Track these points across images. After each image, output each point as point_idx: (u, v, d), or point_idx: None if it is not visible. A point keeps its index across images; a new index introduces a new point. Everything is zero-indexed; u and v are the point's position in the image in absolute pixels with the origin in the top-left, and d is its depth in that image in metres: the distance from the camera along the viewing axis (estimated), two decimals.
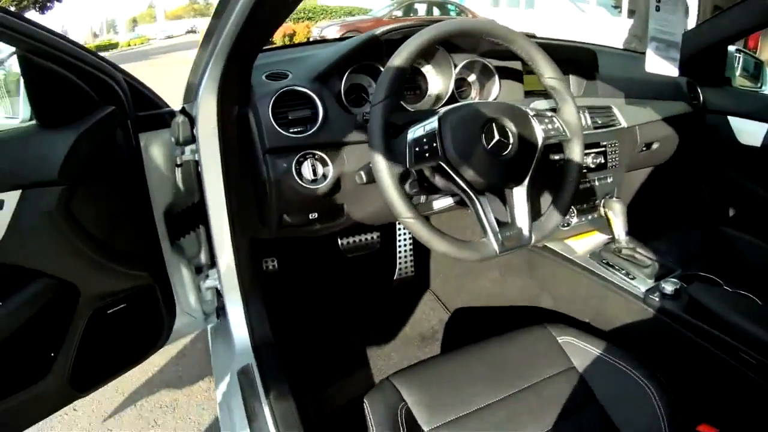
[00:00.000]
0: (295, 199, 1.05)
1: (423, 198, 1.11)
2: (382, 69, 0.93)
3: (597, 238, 1.43)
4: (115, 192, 1.07)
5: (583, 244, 1.41)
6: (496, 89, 1.29)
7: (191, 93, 1.06)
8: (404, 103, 1.22)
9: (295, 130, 1.02)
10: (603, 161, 1.38)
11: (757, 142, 1.75)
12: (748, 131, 1.78)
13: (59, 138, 0.93)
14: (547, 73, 0.99)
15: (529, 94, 1.36)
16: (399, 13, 10.36)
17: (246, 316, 1.33)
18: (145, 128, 1.15)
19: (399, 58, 0.86)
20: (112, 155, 1.04)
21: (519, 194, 0.91)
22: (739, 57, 1.92)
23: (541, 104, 1.31)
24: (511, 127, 0.88)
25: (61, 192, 0.92)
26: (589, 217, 1.43)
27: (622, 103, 1.48)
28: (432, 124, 0.85)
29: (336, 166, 1.04)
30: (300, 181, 1.02)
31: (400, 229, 1.81)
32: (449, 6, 10.99)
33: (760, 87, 2.04)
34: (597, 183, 1.42)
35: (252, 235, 1.18)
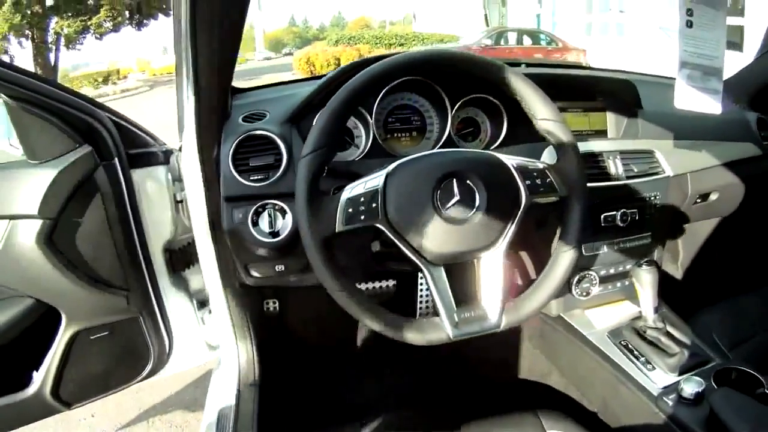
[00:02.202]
0: (254, 252, 0.90)
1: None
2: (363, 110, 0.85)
3: (625, 310, 1.09)
4: (99, 226, 1.07)
5: (606, 316, 1.08)
6: (504, 131, 1.01)
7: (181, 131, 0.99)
8: (399, 147, 1.00)
9: (256, 177, 0.87)
10: (638, 218, 1.04)
11: None
12: None
13: (41, 175, 0.95)
14: (541, 113, 0.74)
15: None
16: (489, 42, 9.65)
17: (236, 357, 1.25)
18: (137, 165, 1.13)
19: (334, 103, 0.69)
20: (95, 191, 1.04)
21: (489, 263, 0.69)
22: None
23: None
24: (478, 183, 0.68)
25: (42, 224, 0.95)
26: (618, 284, 1.09)
27: (669, 147, 1.12)
28: (376, 180, 0.68)
29: None
30: (255, 234, 0.87)
31: (421, 276, 1.58)
32: (540, 35, 10.18)
33: None
34: (628, 245, 1.07)
35: (240, 279, 1.07)
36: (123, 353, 1.16)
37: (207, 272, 1.18)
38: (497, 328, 0.70)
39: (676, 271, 1.40)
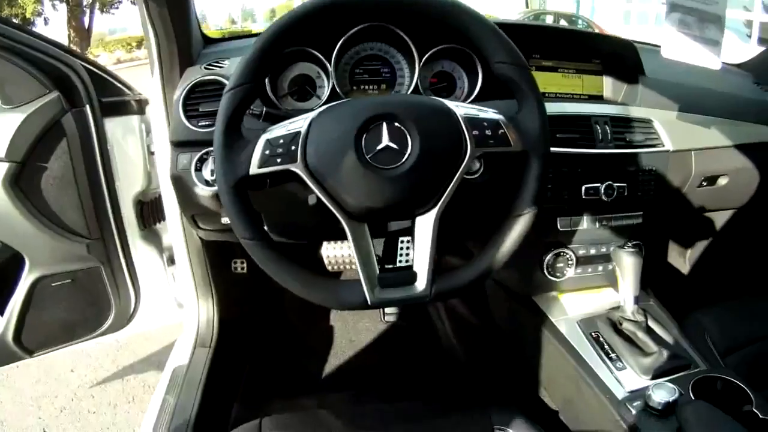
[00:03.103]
0: (198, 202, 0.81)
1: None
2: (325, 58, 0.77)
3: (606, 298, 0.93)
4: (65, 172, 1.05)
5: (583, 303, 0.92)
6: (478, 85, 0.86)
7: None
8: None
9: (204, 123, 0.79)
10: (627, 194, 0.88)
11: None
12: None
13: (11, 119, 0.94)
14: (497, 54, 0.60)
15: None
16: None
17: (197, 316, 1.20)
18: (111, 114, 1.10)
19: (261, 39, 0.60)
20: (62, 137, 1.02)
21: (422, 224, 0.58)
22: None
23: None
24: (412, 129, 0.56)
25: (8, 167, 0.94)
26: (600, 268, 0.93)
27: (672, 119, 0.94)
28: (300, 122, 0.58)
29: None
30: (196, 180, 0.78)
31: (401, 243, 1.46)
32: (578, 20, 9.58)
33: None
34: (614, 223, 0.91)
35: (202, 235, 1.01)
36: (85, 303, 1.12)
37: (171, 226, 1.14)
38: (425, 298, 0.58)
39: (683, 264, 1.23)
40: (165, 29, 0.90)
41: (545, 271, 0.89)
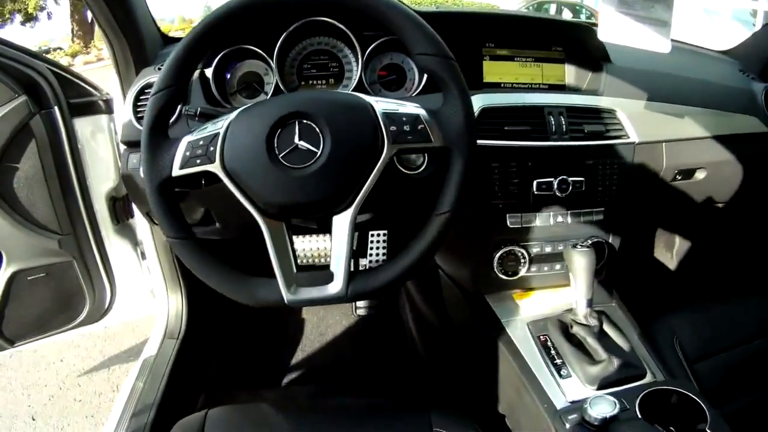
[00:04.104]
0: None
1: None
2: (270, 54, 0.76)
3: (562, 299, 0.85)
4: (36, 171, 1.06)
5: (538, 304, 0.85)
6: (425, 77, 0.82)
7: None
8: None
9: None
10: (584, 189, 0.81)
11: None
12: None
13: None
14: (419, 46, 0.56)
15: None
16: (526, 12, 8.53)
17: (166, 308, 1.20)
18: (80, 114, 1.11)
19: (184, 41, 0.58)
20: (31, 138, 1.03)
21: (339, 225, 0.55)
22: None
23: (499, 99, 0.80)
24: (324, 127, 0.54)
25: None
26: (557, 266, 0.85)
27: (640, 109, 0.85)
28: (219, 123, 0.57)
29: None
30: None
31: (372, 237, 1.42)
32: (578, 7, 8.92)
33: None
34: (570, 220, 0.83)
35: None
36: (60, 296, 1.13)
37: (139, 221, 1.15)
38: (342, 299, 0.55)
39: (657, 263, 1.14)
40: (112, 30, 0.89)
41: (496, 270, 0.83)
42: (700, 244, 1.09)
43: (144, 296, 1.26)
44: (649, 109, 0.88)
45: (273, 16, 0.74)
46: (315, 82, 0.87)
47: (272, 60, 0.82)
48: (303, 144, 0.54)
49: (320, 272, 0.56)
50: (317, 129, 0.54)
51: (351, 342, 1.27)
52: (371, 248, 1.02)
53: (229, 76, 0.86)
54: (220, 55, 0.82)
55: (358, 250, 1.40)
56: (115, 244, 1.18)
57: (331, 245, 0.56)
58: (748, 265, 1.12)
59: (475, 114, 0.77)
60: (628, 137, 0.84)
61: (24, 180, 1.04)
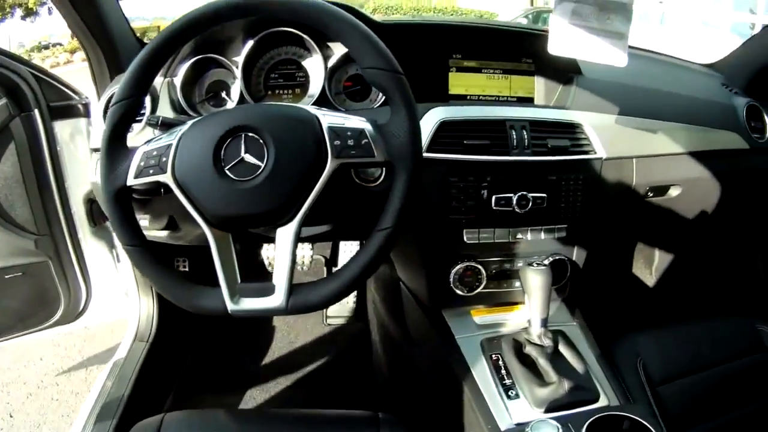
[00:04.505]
0: None
1: None
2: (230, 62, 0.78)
3: (520, 318, 0.83)
4: (14, 172, 1.09)
5: (493, 322, 0.83)
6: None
7: None
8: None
9: None
10: (546, 205, 0.78)
11: None
12: None
13: None
14: (367, 59, 0.56)
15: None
16: (524, 21, 8.13)
17: (138, 312, 1.21)
18: (60, 117, 1.13)
19: (142, 53, 0.60)
20: (11, 140, 1.06)
21: (282, 238, 0.56)
22: None
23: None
24: (269, 141, 0.55)
25: None
26: (517, 284, 0.83)
27: (610, 123, 0.83)
28: (172, 134, 0.58)
29: None
30: None
31: (345, 247, 1.42)
32: None
33: None
34: (530, 237, 0.81)
35: None
36: (35, 296, 1.15)
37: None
38: (282, 312, 0.56)
39: (627, 282, 1.11)
40: (84, 35, 0.91)
41: (453, 285, 0.81)
42: (675, 262, 1.06)
43: (119, 298, 1.28)
44: (620, 124, 0.86)
45: (223, 28, 0.75)
46: (281, 91, 0.88)
47: (238, 70, 0.83)
48: (248, 157, 0.54)
49: (263, 284, 0.56)
50: (262, 142, 0.55)
51: (319, 351, 1.27)
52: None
53: (198, 84, 0.87)
54: (186, 65, 0.83)
55: (331, 259, 1.41)
56: (91, 245, 1.20)
57: (274, 259, 0.57)
58: (725, 284, 1.08)
59: (434, 127, 0.76)
60: (595, 152, 0.82)
61: (2, 181, 1.06)
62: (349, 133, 0.56)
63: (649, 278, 1.11)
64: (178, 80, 0.83)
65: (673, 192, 0.92)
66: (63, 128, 1.12)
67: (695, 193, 0.95)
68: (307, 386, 1.18)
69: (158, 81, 0.84)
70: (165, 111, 0.84)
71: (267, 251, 1.25)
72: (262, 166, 0.54)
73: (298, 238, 0.56)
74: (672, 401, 0.83)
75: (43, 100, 1.08)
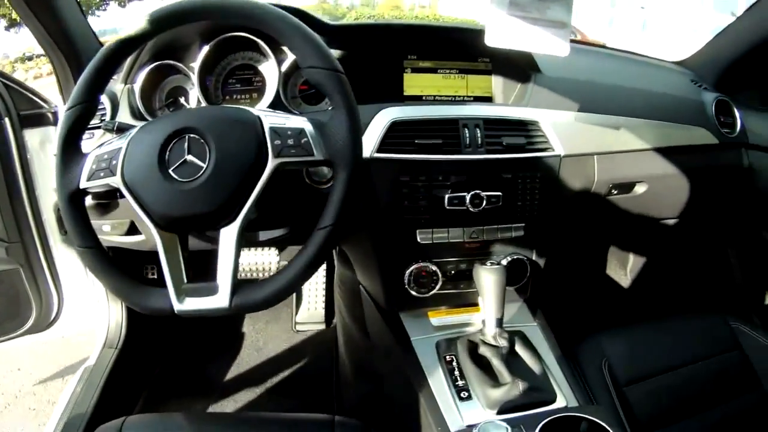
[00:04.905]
0: None
1: None
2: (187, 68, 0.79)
3: (478, 318, 0.81)
4: None
5: (450, 323, 0.82)
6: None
7: None
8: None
9: (86, 137, 0.83)
10: (502, 204, 0.78)
11: None
12: None
13: None
14: (308, 59, 0.57)
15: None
16: None
17: (107, 319, 1.22)
18: (30, 125, 1.15)
19: (93, 62, 0.61)
20: None
21: (226, 238, 0.56)
22: None
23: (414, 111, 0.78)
24: (211, 142, 0.56)
25: None
26: (473, 285, 0.82)
27: (569, 120, 0.82)
28: (123, 138, 0.60)
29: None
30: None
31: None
32: None
33: None
34: (486, 237, 0.80)
35: None
36: (7, 303, 1.17)
37: None
38: (225, 311, 0.57)
39: (593, 280, 1.09)
40: (47, 42, 0.92)
41: (408, 287, 0.81)
42: (649, 261, 1.05)
43: (92, 306, 1.28)
44: (581, 121, 0.85)
45: (180, 34, 0.76)
46: (239, 96, 0.89)
47: (194, 75, 0.84)
48: (191, 158, 0.56)
49: (208, 284, 0.57)
50: (205, 144, 0.56)
51: (287, 357, 1.27)
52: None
53: (158, 90, 0.88)
54: (145, 71, 0.84)
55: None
56: (62, 253, 1.21)
57: (218, 259, 0.57)
58: (700, 282, 1.07)
59: (385, 127, 0.76)
60: (553, 150, 0.81)
61: None
62: (289, 133, 0.57)
63: (624, 278, 1.10)
64: (137, 86, 0.84)
65: (639, 189, 0.91)
66: (33, 136, 1.13)
67: (663, 190, 0.94)
68: (275, 391, 1.18)
69: (118, 87, 0.86)
70: (125, 117, 0.84)
71: (240, 256, 1.26)
72: (204, 166, 0.55)
73: (242, 239, 0.56)
74: (639, 402, 0.82)
75: (13, 108, 1.10)
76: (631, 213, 0.94)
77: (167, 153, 0.56)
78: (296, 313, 1.38)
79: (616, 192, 0.89)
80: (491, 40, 0.64)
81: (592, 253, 1.12)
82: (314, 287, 1.38)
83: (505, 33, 0.62)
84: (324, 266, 1.40)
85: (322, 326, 1.35)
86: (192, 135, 0.56)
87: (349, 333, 1.06)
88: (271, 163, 0.55)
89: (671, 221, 0.98)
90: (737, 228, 1.05)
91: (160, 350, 1.27)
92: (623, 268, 1.11)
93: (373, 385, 0.94)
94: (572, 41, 0.95)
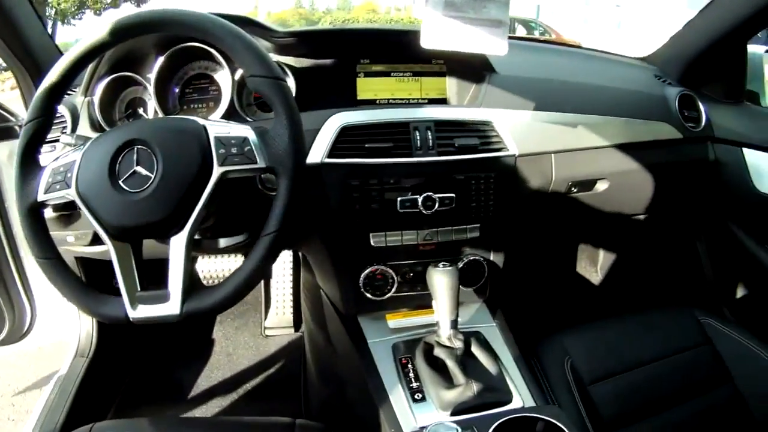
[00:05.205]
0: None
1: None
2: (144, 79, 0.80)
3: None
4: None
5: (407, 325, 0.82)
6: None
7: None
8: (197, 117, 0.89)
9: (47, 150, 0.82)
10: (456, 206, 0.78)
11: None
12: None
13: None
14: (251, 68, 0.58)
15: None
16: None
17: (78, 328, 1.22)
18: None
19: (48, 77, 0.62)
20: None
21: (176, 246, 0.58)
22: None
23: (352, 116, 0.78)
24: (158, 153, 0.58)
25: None
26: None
27: (525, 119, 0.82)
28: (77, 151, 0.61)
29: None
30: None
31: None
32: (532, 24, 9.06)
33: None
34: (440, 239, 0.80)
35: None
36: None
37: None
38: (176, 318, 0.58)
39: (556, 280, 1.09)
40: (8, 56, 0.92)
41: (364, 290, 0.81)
42: (619, 258, 1.05)
43: (64, 316, 1.29)
44: (537, 119, 0.85)
45: (137, 45, 0.77)
46: (195, 106, 0.89)
47: (150, 86, 0.84)
48: (140, 169, 0.57)
49: (160, 292, 0.59)
50: (152, 154, 0.57)
51: (256, 362, 1.28)
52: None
53: (118, 102, 0.89)
54: (103, 83, 0.85)
55: None
56: (34, 265, 1.21)
57: (169, 267, 0.58)
58: (669, 277, 1.06)
59: (335, 132, 0.76)
60: (507, 149, 0.81)
61: None
62: (233, 141, 0.58)
63: (595, 275, 1.10)
64: (96, 98, 0.85)
65: (601, 186, 0.91)
66: (1, 150, 1.14)
67: (626, 186, 0.94)
68: (245, 396, 1.20)
69: (78, 100, 0.86)
70: (85, 129, 0.85)
71: (200, 264, 1.27)
72: (152, 177, 0.57)
73: (191, 246, 0.58)
74: (604, 401, 0.82)
75: None
76: (596, 210, 0.94)
77: (117, 165, 0.58)
78: (265, 319, 1.39)
79: (576, 190, 0.89)
80: (427, 42, 0.64)
81: (559, 251, 1.12)
82: (282, 292, 1.39)
83: (441, 34, 0.62)
84: (291, 271, 1.40)
85: (291, 331, 1.37)
86: (140, 146, 0.58)
87: (313, 337, 1.06)
88: (216, 172, 0.57)
89: (639, 217, 0.98)
90: (706, 222, 1.05)
91: (131, 358, 1.28)
92: (594, 265, 1.10)
93: (337, 388, 0.95)
94: (545, 41, 0.95)
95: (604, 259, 1.09)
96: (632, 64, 1.11)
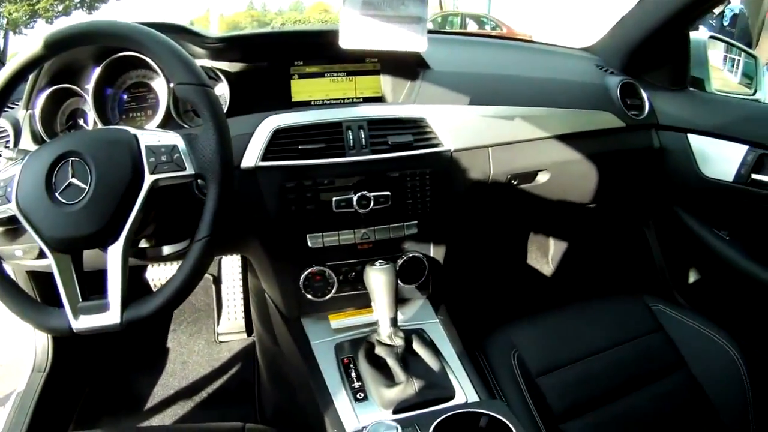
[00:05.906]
0: None
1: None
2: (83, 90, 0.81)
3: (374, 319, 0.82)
4: None
5: (350, 325, 0.83)
6: (227, 103, 0.85)
7: None
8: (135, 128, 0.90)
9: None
10: (392, 204, 0.79)
11: (727, 174, 0.89)
12: (716, 158, 0.96)
13: None
14: (177, 76, 0.60)
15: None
16: (430, 26, 7.71)
17: (34, 342, 1.22)
18: None
19: None
20: None
21: (112, 256, 0.59)
22: (728, 50, 1.09)
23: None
24: (91, 164, 0.59)
25: None
26: None
27: (460, 114, 0.84)
28: (17, 165, 0.61)
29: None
30: None
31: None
32: (483, 19, 9.08)
33: (753, 93, 1.12)
34: (377, 237, 0.81)
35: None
36: None
37: None
38: (117, 326, 0.60)
39: (502, 273, 1.10)
40: None
41: (304, 291, 0.82)
42: (567, 247, 1.06)
43: (21, 332, 1.29)
44: (472, 114, 0.86)
45: (75, 57, 0.78)
46: (134, 114, 0.90)
47: (88, 97, 0.85)
48: (75, 181, 0.59)
49: (100, 302, 0.60)
50: (86, 166, 0.59)
51: (210, 369, 1.30)
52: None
53: (60, 114, 0.89)
54: (43, 96, 0.85)
55: (218, 277, 1.42)
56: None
57: (108, 276, 0.60)
58: (620, 265, 1.08)
59: (268, 136, 0.77)
60: (442, 145, 0.82)
61: None
62: (163, 149, 0.60)
63: (546, 266, 1.11)
64: (36, 111, 0.85)
65: (542, 177, 0.92)
66: None
67: (569, 176, 0.95)
68: (201, 403, 1.21)
69: (20, 114, 0.87)
70: (27, 143, 0.86)
71: (150, 272, 1.28)
72: (87, 188, 0.58)
73: (128, 255, 0.59)
74: (553, 393, 0.82)
75: None
76: (540, 201, 0.95)
77: (54, 177, 0.59)
78: (218, 325, 1.41)
79: (516, 182, 0.90)
80: (345, 42, 0.65)
81: (508, 243, 1.13)
82: (232, 298, 1.40)
83: (359, 34, 0.63)
84: (240, 276, 1.41)
85: (244, 336, 1.39)
86: (75, 158, 0.59)
87: (263, 342, 1.07)
88: (147, 180, 0.58)
89: (586, 206, 0.99)
90: (653, 208, 1.07)
91: (88, 369, 1.29)
92: (545, 256, 1.12)
93: (288, 391, 0.95)
94: (491, 36, 0.96)
95: (554, 249, 1.10)
96: (574, 55, 1.13)
